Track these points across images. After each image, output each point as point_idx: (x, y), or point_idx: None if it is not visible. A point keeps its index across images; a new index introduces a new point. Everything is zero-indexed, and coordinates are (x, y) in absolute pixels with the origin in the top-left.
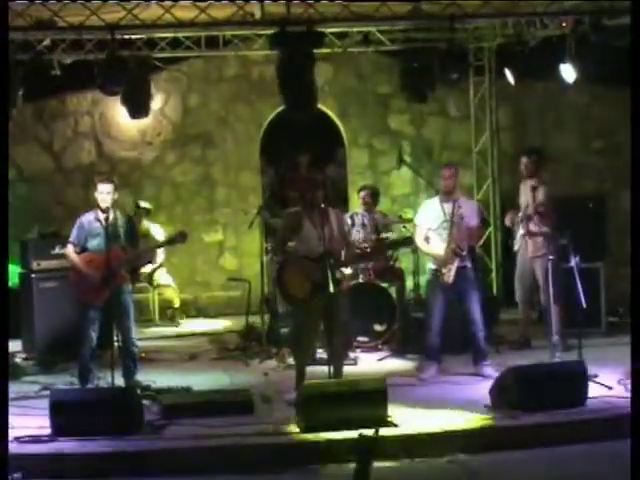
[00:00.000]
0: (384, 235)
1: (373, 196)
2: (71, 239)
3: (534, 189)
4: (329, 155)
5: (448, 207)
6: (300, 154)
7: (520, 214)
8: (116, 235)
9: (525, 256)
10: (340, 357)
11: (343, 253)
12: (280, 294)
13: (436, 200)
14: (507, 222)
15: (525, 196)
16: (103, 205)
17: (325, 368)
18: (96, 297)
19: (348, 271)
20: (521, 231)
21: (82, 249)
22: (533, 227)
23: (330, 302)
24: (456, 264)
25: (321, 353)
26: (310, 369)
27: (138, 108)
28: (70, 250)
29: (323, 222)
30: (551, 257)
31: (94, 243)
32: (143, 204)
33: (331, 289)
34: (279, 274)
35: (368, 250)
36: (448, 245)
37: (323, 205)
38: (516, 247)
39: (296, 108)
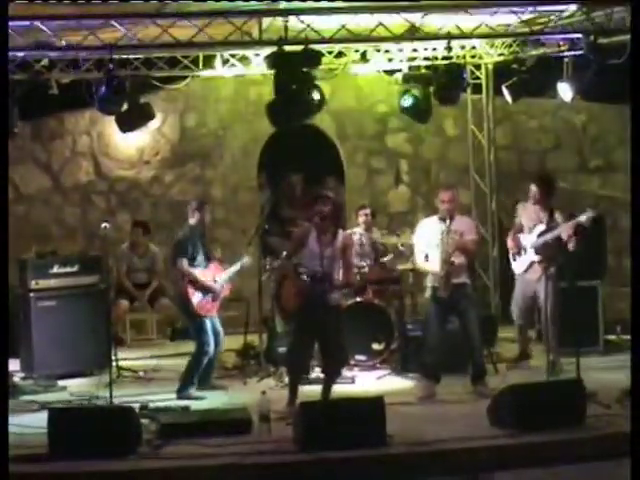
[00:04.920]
0: (383, 257)
1: (372, 215)
2: (183, 255)
3: (550, 218)
4: (326, 174)
5: (446, 225)
6: (294, 173)
7: (530, 240)
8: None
9: (530, 279)
10: (330, 378)
11: (341, 276)
12: (276, 307)
13: (434, 219)
14: (511, 246)
15: (530, 220)
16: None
17: (319, 387)
18: (212, 308)
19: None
20: (534, 258)
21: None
22: (549, 254)
23: (323, 323)
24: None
25: (318, 372)
26: (305, 388)
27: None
28: (186, 264)
29: (328, 242)
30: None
31: (200, 259)
32: (141, 221)
33: (324, 311)
34: (277, 287)
35: (366, 270)
36: (442, 261)
37: (334, 225)
38: (521, 270)
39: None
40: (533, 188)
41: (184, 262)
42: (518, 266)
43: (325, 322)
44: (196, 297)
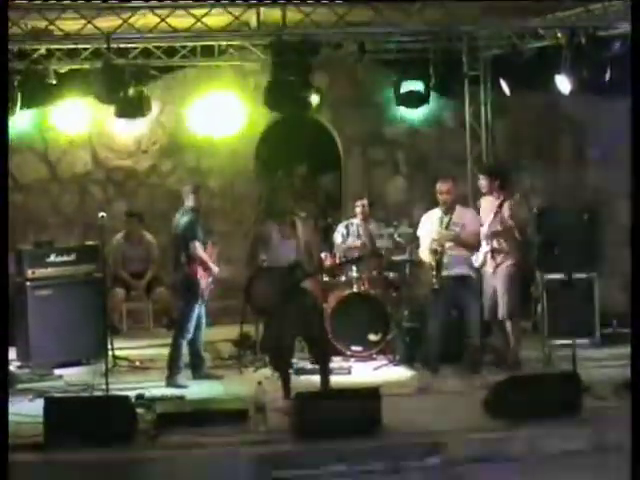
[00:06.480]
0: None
1: (369, 206)
2: (195, 238)
3: (500, 206)
4: (325, 165)
5: (447, 216)
6: (293, 164)
7: (483, 232)
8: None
9: (487, 272)
10: (323, 365)
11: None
12: (249, 306)
13: (436, 210)
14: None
15: (485, 212)
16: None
17: (312, 377)
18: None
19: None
20: (485, 248)
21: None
22: (496, 244)
23: (303, 313)
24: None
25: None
26: (302, 379)
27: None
28: (200, 247)
29: (289, 233)
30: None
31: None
32: (135, 211)
33: (300, 299)
34: (247, 286)
35: (356, 255)
36: (431, 251)
37: (294, 216)
38: (477, 263)
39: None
40: (481, 179)
41: (197, 244)
42: (475, 260)
43: (304, 310)
44: (203, 282)
